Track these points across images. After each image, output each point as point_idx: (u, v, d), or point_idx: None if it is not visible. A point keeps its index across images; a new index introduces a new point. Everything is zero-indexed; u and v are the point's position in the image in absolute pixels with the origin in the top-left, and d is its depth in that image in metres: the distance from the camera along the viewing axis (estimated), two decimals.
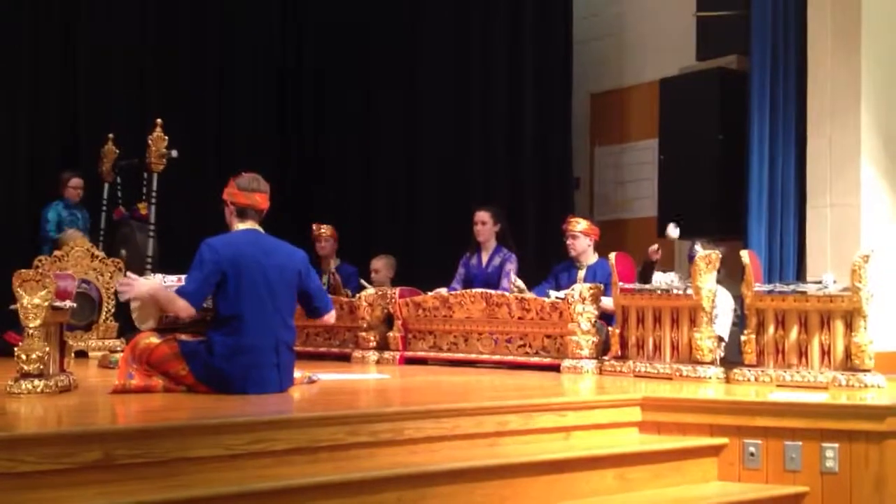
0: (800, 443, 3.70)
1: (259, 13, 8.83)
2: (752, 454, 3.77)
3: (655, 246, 5.59)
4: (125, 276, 4.37)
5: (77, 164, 7.44)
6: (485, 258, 6.42)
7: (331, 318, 4.43)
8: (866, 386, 4.24)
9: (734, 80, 6.31)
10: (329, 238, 7.12)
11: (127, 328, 5.67)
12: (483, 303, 5.65)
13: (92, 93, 7.86)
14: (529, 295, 5.62)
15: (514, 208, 7.21)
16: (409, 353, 5.94)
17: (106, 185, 7.19)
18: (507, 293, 5.70)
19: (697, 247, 5.08)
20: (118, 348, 5.76)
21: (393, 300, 6.04)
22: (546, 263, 6.53)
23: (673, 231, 5.54)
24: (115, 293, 6.20)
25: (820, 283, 4.51)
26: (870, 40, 5.52)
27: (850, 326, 4.35)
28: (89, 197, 7.27)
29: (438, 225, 7.74)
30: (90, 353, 6.06)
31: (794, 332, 4.48)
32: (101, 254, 6.41)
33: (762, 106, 5.92)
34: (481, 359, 5.64)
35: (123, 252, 6.77)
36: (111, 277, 6.30)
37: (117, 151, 7.13)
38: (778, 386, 4.39)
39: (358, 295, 6.19)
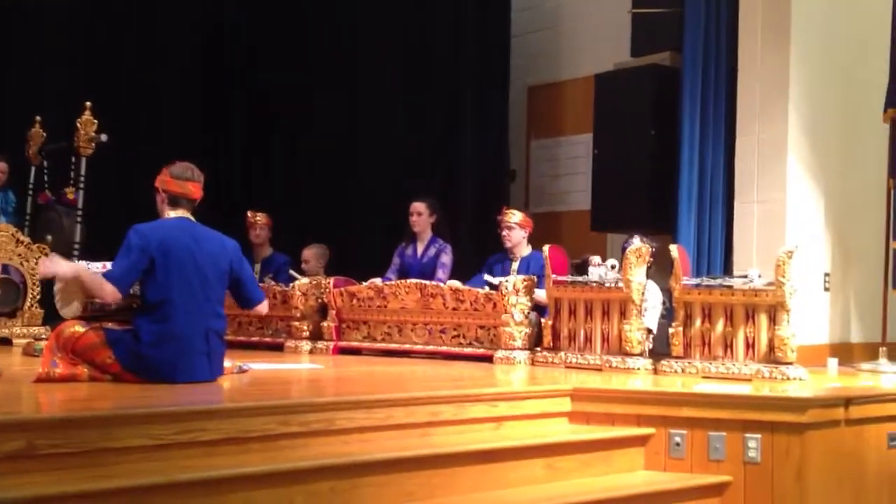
0: (724, 433, 3.79)
1: None
2: (677, 444, 3.85)
3: (598, 258, 5.54)
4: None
5: (1, 146, 7.22)
6: (420, 249, 6.43)
7: (263, 308, 4.39)
8: (789, 378, 4.36)
9: (667, 77, 6.42)
10: (264, 227, 7.06)
11: (52, 315, 5.53)
12: (418, 293, 5.66)
13: (19, 74, 7.63)
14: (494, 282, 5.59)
15: (449, 199, 7.22)
16: (343, 343, 5.92)
17: (33, 169, 6.99)
18: (441, 284, 5.72)
19: (634, 240, 5.16)
20: (43, 336, 5.61)
21: (327, 290, 6.02)
22: (481, 254, 6.56)
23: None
24: (41, 280, 6.07)
25: (745, 277, 4.62)
26: (799, 39, 5.65)
27: (773, 320, 4.47)
28: (16, 181, 7.07)
29: (373, 215, 7.72)
30: (14, 341, 5.90)
31: (720, 325, 4.58)
32: (27, 239, 6.23)
33: (693, 102, 6.04)
34: (415, 349, 5.65)
35: (49, 237, 6.60)
36: (37, 263, 6.12)
37: (45, 134, 6.95)
38: (703, 377, 4.50)
39: (292, 284, 6.14)
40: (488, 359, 5.27)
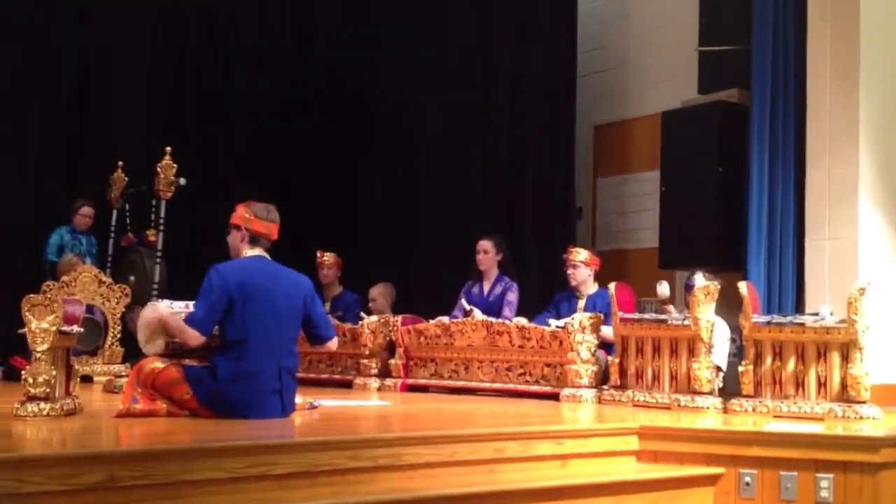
0: (795, 473, 3.73)
1: (268, 45, 8.95)
2: (747, 484, 3.80)
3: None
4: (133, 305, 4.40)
5: (82, 191, 7.52)
6: (486, 287, 6.47)
7: (333, 344, 4.46)
8: (862, 417, 4.27)
9: (735, 114, 6.40)
10: (332, 266, 7.15)
11: (131, 353, 5.72)
12: (484, 331, 5.70)
13: (100, 120, 7.96)
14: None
15: (516, 237, 7.27)
16: (411, 381, 5.98)
17: (114, 212, 7.28)
18: (507, 322, 5.75)
19: (697, 276, 5.13)
20: (122, 373, 5.81)
21: (395, 327, 6.10)
22: (547, 292, 6.58)
23: (664, 289, 5.48)
24: (122, 319, 6.29)
25: (817, 315, 4.56)
26: (868, 75, 5.61)
27: (846, 358, 4.39)
28: (98, 223, 7.35)
29: (440, 253, 7.79)
30: (95, 378, 6.11)
31: (791, 363, 4.52)
32: (109, 280, 6.47)
33: (762, 139, 6.00)
34: (482, 387, 5.68)
35: (132, 278, 6.85)
36: (118, 303, 6.36)
37: (126, 178, 7.23)
38: (775, 416, 4.43)
39: (361, 322, 6.24)
40: (555, 397, 5.27)
